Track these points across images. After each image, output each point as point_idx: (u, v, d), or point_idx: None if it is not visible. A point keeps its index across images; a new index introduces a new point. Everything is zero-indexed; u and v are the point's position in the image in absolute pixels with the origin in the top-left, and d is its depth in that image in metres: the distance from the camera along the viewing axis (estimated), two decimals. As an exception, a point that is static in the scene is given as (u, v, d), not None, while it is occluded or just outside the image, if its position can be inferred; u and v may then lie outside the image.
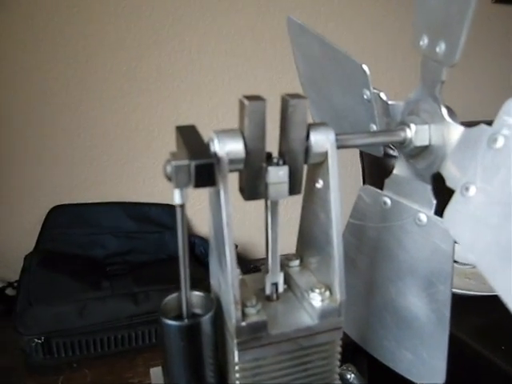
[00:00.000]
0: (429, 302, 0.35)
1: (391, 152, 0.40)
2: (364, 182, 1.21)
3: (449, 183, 0.30)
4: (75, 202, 1.18)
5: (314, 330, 0.30)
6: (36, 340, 0.93)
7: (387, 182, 0.36)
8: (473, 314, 0.92)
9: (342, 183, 0.36)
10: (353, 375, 0.60)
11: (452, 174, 0.29)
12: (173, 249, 1.16)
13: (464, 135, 0.29)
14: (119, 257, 1.13)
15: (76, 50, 1.09)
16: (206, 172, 0.24)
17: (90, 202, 1.19)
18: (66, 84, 1.10)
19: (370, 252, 0.38)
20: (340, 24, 1.26)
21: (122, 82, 1.15)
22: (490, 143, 0.26)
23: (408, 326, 0.37)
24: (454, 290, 0.93)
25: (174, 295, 0.31)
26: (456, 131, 0.29)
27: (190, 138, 0.27)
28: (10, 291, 1.09)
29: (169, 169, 0.24)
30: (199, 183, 0.25)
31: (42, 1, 1.03)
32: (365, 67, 0.35)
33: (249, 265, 1.15)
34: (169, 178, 0.25)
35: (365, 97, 0.36)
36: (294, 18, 0.44)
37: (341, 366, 0.60)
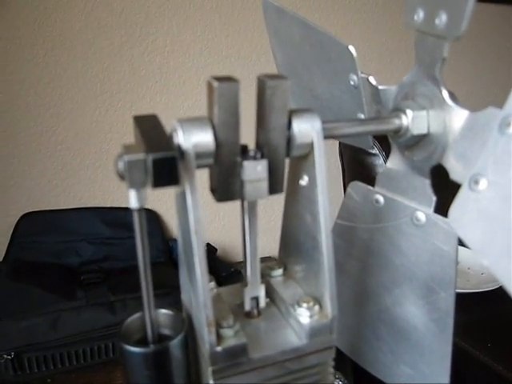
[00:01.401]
0: (429, 310, 0.31)
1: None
2: (344, 179, 1.18)
3: (453, 176, 0.26)
4: (47, 209, 1.13)
5: (302, 351, 0.26)
6: (5, 356, 0.88)
7: (379, 177, 0.32)
8: (457, 311, 0.92)
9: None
10: (340, 383, 0.56)
11: (457, 166, 0.26)
12: (151, 254, 1.11)
13: (469, 120, 0.25)
14: (94, 264, 1.09)
15: (44, 49, 1.03)
16: (166, 168, 0.20)
17: (63, 208, 1.14)
18: (34, 85, 1.04)
19: (361, 256, 0.34)
20: (322, 6, 1.22)
21: (94, 82, 1.09)
22: (502, 128, 0.23)
23: (406, 337, 0.33)
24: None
25: (138, 315, 0.26)
26: (460, 116, 0.25)
27: (149, 129, 0.23)
28: (-22, 305, 1.03)
29: (121, 165, 0.20)
30: (159, 182, 0.20)
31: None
32: (351, 48, 0.31)
33: (229, 268, 1.11)
34: (121, 177, 0.20)
35: (351, 83, 0.32)
36: (269, 0, 0.40)
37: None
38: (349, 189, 0.33)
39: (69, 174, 1.13)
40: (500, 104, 0.23)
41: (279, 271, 0.30)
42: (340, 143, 1.17)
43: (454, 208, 0.25)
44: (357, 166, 1.09)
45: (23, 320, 0.91)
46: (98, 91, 1.10)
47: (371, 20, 1.30)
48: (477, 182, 0.23)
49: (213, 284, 0.29)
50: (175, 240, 1.17)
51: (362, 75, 0.32)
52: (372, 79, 0.31)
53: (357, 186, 0.33)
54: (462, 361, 0.87)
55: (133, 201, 0.21)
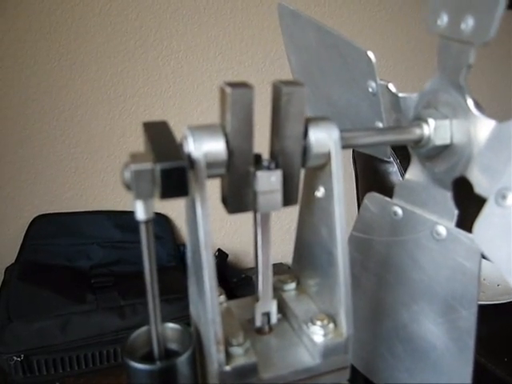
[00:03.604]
0: (448, 329, 0.30)
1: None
2: (357, 188, 1.16)
3: (478, 190, 0.24)
4: (59, 212, 1.13)
5: (315, 372, 0.24)
6: (15, 358, 0.89)
7: (397, 188, 0.30)
8: None
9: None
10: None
11: (482, 179, 0.24)
12: (162, 259, 1.11)
13: (496, 131, 0.24)
14: (105, 268, 1.08)
15: (60, 53, 1.04)
16: (175, 178, 0.19)
17: (75, 210, 1.14)
18: (49, 89, 1.05)
19: (377, 270, 0.33)
20: (338, 10, 1.21)
21: (108, 86, 1.09)
22: (531, 139, 0.21)
23: (424, 356, 0.32)
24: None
25: (144, 329, 0.25)
26: (485, 127, 0.24)
27: (158, 137, 0.22)
28: (-10, 305, 1.03)
29: (127, 175, 0.19)
30: (167, 193, 0.19)
31: (25, 3, 0.98)
32: (370, 54, 0.29)
33: (240, 274, 1.10)
34: (128, 187, 0.19)
35: (370, 90, 0.31)
36: (285, 4, 0.39)
37: None
38: (365, 200, 0.32)
39: (81, 177, 1.13)
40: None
41: (292, 285, 0.29)
42: (354, 150, 1.15)
43: (479, 223, 0.23)
44: (371, 174, 1.07)
45: (34, 322, 0.91)
46: (111, 95, 1.10)
47: (388, 24, 1.29)
48: (504, 197, 0.22)
49: (223, 298, 0.28)
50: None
51: (381, 82, 0.30)
52: (391, 86, 0.30)
53: (374, 198, 0.32)
54: (476, 374, 0.85)
55: (139, 212, 0.20)
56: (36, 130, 1.07)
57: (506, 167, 0.23)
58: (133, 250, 1.12)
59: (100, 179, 1.14)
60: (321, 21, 0.34)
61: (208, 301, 0.21)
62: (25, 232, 1.09)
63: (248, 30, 1.17)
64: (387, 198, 0.31)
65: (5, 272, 1.03)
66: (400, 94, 0.29)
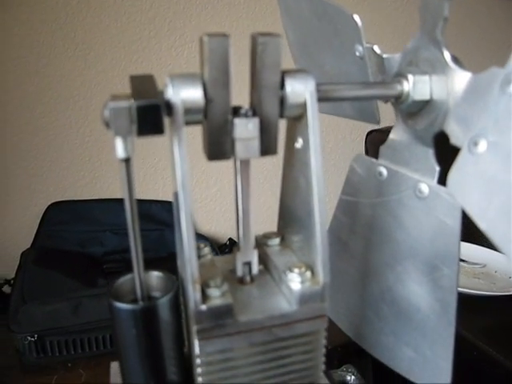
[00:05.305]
0: (432, 289, 0.30)
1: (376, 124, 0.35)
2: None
3: (453, 140, 0.25)
4: (73, 199, 1.15)
5: (291, 318, 0.25)
6: (29, 338, 0.91)
7: (382, 148, 0.31)
8: (482, 314, 0.90)
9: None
10: (353, 377, 0.55)
11: (457, 130, 0.24)
12: (173, 247, 1.12)
13: (472, 83, 0.24)
14: (118, 254, 1.10)
15: (75, 43, 1.06)
16: (151, 115, 0.20)
17: (89, 198, 1.16)
18: (64, 78, 1.07)
19: (364, 233, 0.33)
20: None
21: (122, 76, 1.11)
22: (503, 86, 0.22)
23: (408, 317, 0.32)
24: (462, 290, 0.88)
25: (128, 276, 0.26)
26: (462, 79, 0.24)
27: (141, 84, 0.23)
28: (6, 289, 1.07)
29: (106, 112, 0.20)
30: (144, 130, 0.20)
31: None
32: (356, 17, 0.30)
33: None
34: (107, 124, 0.20)
35: (357, 54, 0.32)
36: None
37: (340, 366, 0.55)
38: (352, 162, 0.32)
39: (95, 165, 1.16)
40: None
41: (276, 240, 0.29)
42: (366, 144, 1.15)
43: (453, 173, 0.24)
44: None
45: (47, 304, 0.93)
46: (126, 85, 1.09)
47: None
48: (476, 144, 0.22)
49: (207, 250, 0.29)
50: (201, 236, 1.18)
51: (367, 45, 0.31)
52: (376, 48, 0.30)
53: (360, 159, 0.32)
54: (486, 365, 0.84)
55: (119, 150, 0.21)
56: (51, 119, 1.09)
57: (480, 116, 0.23)
58: (145, 237, 1.13)
59: (113, 168, 1.17)
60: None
61: (185, 239, 0.22)
62: (40, 218, 1.12)
63: (261, 21, 1.18)
64: (373, 159, 0.31)
65: (20, 256, 1.06)
66: (384, 55, 0.30)
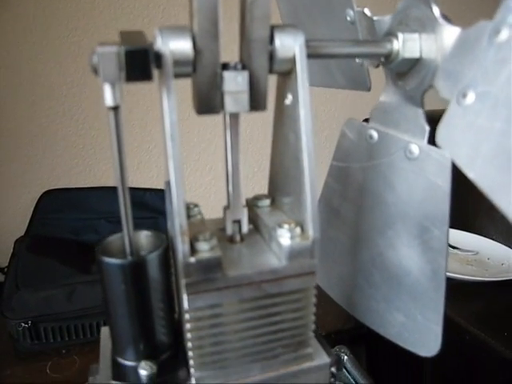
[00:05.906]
0: (422, 251, 0.30)
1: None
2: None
3: (442, 94, 0.25)
4: (67, 187, 1.15)
5: (281, 274, 0.25)
6: (23, 324, 0.90)
7: (373, 111, 0.31)
8: (474, 300, 0.91)
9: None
10: (346, 357, 0.55)
11: (446, 84, 0.25)
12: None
13: (460, 37, 0.24)
14: (112, 242, 1.10)
15: (68, 29, 1.06)
16: (139, 61, 0.20)
17: (83, 186, 1.16)
18: (58, 65, 1.07)
19: (355, 199, 0.33)
20: None
21: (116, 62, 1.11)
22: (491, 38, 0.22)
23: (399, 282, 0.32)
24: (455, 276, 0.88)
25: (118, 235, 0.26)
26: (451, 35, 0.24)
27: (130, 37, 0.23)
28: (0, 276, 1.07)
29: (95, 58, 0.20)
30: (132, 76, 0.20)
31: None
32: (347, -20, 0.30)
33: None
34: (95, 71, 0.20)
35: (348, 18, 0.32)
36: None
37: (333, 347, 0.55)
38: (343, 127, 0.33)
39: (89, 153, 1.15)
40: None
41: (266, 202, 0.29)
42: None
43: (442, 126, 0.24)
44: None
45: (41, 290, 0.92)
46: None
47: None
48: (465, 96, 0.22)
49: (198, 210, 0.28)
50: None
51: (358, 9, 0.31)
52: (367, 11, 0.30)
53: (351, 124, 0.32)
54: (478, 349, 0.85)
55: (108, 98, 0.21)
56: (44, 106, 1.09)
57: (469, 69, 0.23)
58: (140, 226, 1.13)
59: (108, 155, 1.16)
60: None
61: (173, 191, 0.22)
62: (34, 206, 1.12)
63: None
64: (363, 123, 0.31)
65: (14, 244, 1.05)
66: (375, 17, 0.30)
